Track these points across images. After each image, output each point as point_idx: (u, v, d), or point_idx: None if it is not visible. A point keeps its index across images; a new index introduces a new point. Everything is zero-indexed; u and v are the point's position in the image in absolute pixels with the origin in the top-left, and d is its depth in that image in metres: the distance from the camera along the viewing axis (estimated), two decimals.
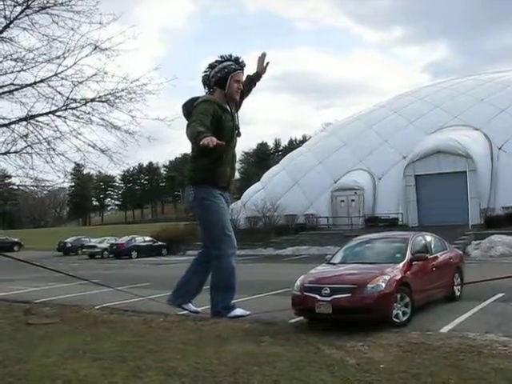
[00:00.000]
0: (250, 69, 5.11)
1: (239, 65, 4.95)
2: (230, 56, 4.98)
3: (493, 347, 6.84)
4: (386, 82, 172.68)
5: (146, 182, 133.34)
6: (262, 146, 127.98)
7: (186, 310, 5.37)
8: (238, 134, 5.03)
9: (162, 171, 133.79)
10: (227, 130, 4.79)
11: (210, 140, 4.20)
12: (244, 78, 5.03)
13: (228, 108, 4.89)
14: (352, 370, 5.78)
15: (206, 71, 5.01)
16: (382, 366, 5.98)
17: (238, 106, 5.08)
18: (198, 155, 4.83)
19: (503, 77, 39.69)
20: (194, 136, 4.37)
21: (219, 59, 4.97)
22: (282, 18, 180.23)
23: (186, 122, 4.76)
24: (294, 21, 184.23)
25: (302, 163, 41.42)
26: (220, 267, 4.86)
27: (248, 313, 5.06)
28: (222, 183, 4.90)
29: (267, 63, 5.15)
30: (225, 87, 4.84)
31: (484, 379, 5.33)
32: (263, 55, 5.14)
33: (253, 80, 5.19)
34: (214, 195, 4.83)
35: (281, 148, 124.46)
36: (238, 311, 4.94)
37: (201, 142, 4.22)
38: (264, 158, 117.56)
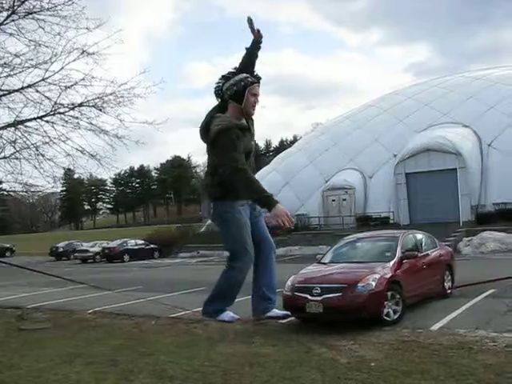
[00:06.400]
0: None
1: (255, 77, 4.66)
2: None
3: (482, 343, 6.90)
4: (371, 82, 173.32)
5: (137, 185, 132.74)
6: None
7: None
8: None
9: (153, 174, 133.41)
10: (249, 148, 4.68)
11: (287, 220, 4.27)
12: (259, 91, 4.70)
13: (246, 124, 4.65)
14: (343, 369, 5.82)
15: (218, 82, 4.72)
16: (372, 364, 6.02)
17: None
18: (216, 168, 4.71)
19: (491, 74, 39.87)
20: (258, 192, 4.38)
21: (233, 70, 4.70)
22: (264, 23, 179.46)
23: (203, 143, 4.73)
24: (276, 25, 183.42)
25: (293, 163, 41.47)
26: (229, 275, 4.88)
27: (237, 317, 5.08)
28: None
29: (258, 29, 4.79)
30: (241, 101, 4.54)
31: (473, 375, 5.38)
32: (249, 19, 4.78)
33: (253, 51, 4.85)
34: (234, 209, 4.72)
35: (272, 149, 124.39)
36: (226, 316, 4.96)
37: (276, 216, 4.27)
38: (255, 158, 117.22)
